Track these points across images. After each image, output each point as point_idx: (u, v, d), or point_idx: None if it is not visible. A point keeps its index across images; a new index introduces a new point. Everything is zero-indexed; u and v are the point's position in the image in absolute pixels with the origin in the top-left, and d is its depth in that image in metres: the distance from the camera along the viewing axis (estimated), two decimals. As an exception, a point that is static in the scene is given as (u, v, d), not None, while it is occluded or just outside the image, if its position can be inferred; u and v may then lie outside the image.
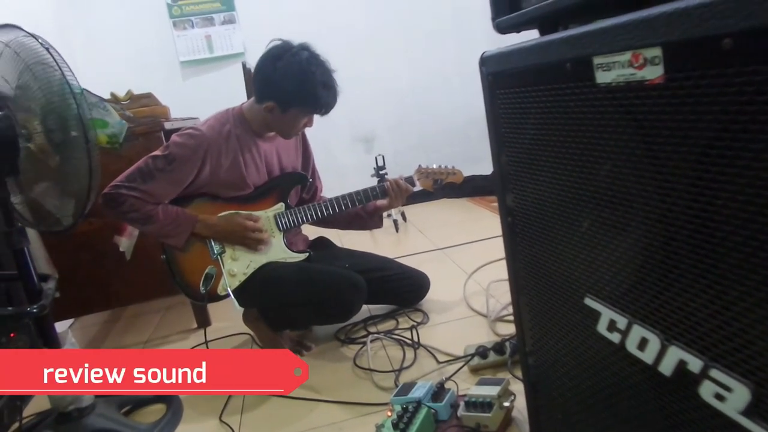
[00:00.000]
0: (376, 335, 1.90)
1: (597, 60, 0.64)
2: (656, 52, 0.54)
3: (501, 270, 2.01)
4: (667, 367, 0.63)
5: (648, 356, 0.66)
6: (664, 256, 0.61)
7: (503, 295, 2.06)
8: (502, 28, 0.89)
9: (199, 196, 1.82)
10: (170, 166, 1.70)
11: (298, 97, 1.70)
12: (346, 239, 2.39)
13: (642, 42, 0.56)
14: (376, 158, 3.32)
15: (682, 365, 0.60)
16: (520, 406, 1.26)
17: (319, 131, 4.06)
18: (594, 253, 0.75)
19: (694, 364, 0.58)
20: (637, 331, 0.67)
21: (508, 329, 1.81)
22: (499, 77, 0.90)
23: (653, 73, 0.55)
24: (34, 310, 1.34)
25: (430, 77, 4.02)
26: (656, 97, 0.56)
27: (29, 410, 1.83)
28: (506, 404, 1.28)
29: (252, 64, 3.28)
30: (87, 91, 1.99)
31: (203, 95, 3.69)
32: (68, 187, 1.52)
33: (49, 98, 1.44)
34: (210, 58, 3.72)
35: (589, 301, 0.77)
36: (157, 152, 1.72)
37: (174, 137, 1.73)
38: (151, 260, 2.18)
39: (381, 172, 3.30)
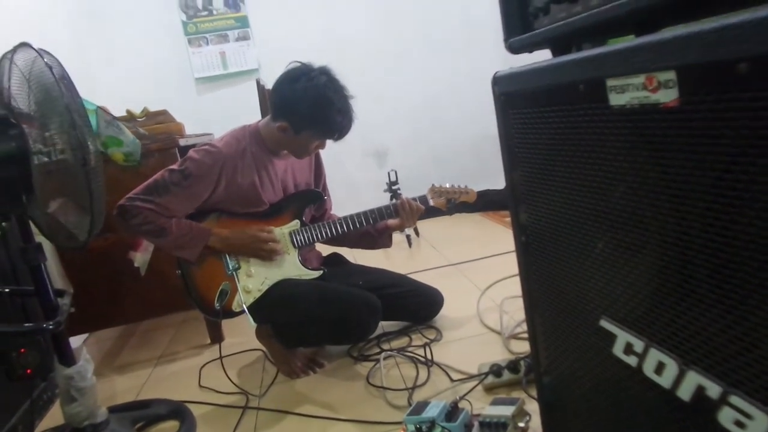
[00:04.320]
0: (389, 353, 1.89)
1: (610, 82, 0.63)
2: (670, 75, 0.54)
3: (514, 286, 2.00)
4: (685, 392, 0.62)
5: (665, 380, 0.65)
6: (681, 280, 0.60)
7: (517, 311, 2.05)
8: (514, 49, 0.90)
9: (214, 211, 1.83)
10: (186, 181, 1.71)
11: (311, 121, 1.72)
12: (359, 255, 2.39)
13: (656, 65, 0.56)
14: (388, 173, 3.33)
15: (700, 391, 0.59)
16: (535, 425, 1.25)
17: (332, 146, 4.10)
18: (609, 275, 0.74)
19: (713, 390, 0.57)
20: (654, 355, 0.67)
21: (523, 347, 1.79)
22: (512, 97, 0.90)
23: (667, 96, 0.55)
24: (51, 327, 1.35)
25: (442, 92, 4.03)
26: (671, 120, 0.56)
27: (43, 425, 1.84)
28: (521, 425, 1.26)
29: (265, 80, 3.32)
30: (101, 109, 2.02)
31: (217, 111, 3.73)
32: (83, 204, 1.54)
33: (61, 118, 1.47)
34: (224, 74, 3.76)
35: (604, 323, 0.76)
36: (174, 166, 1.74)
37: (191, 153, 1.75)
38: (166, 276, 2.19)
39: (393, 188, 3.31)
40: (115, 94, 3.57)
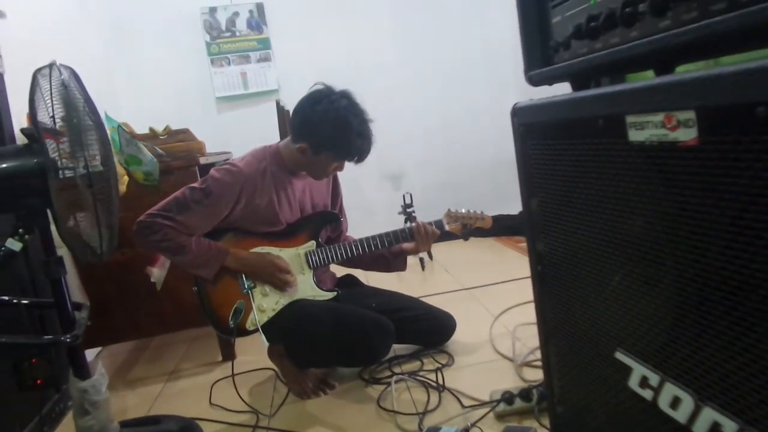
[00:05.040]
0: (400, 376, 1.89)
1: (630, 119, 0.65)
2: (690, 115, 0.55)
3: (527, 313, 2.00)
4: (701, 428, 0.62)
5: (681, 416, 0.65)
6: (698, 315, 0.61)
7: (530, 338, 2.04)
8: (534, 82, 0.91)
9: (232, 230, 1.85)
10: (207, 200, 1.74)
11: (331, 143, 1.75)
12: (372, 277, 2.39)
13: (675, 105, 0.57)
14: (404, 196, 3.35)
15: (716, 427, 0.59)
16: (546, 456, 1.24)
17: (349, 167, 4.13)
18: (625, 307, 0.75)
19: (729, 427, 0.58)
20: (670, 389, 0.67)
21: (535, 375, 1.78)
22: (531, 128, 0.92)
23: (687, 135, 0.56)
24: (68, 340, 1.37)
25: (459, 115, 4.06)
26: (690, 159, 0.57)
27: (56, 438, 1.85)
28: (533, 454, 1.25)
29: (285, 101, 3.37)
30: (122, 128, 2.07)
31: (237, 130, 3.79)
32: (106, 219, 1.57)
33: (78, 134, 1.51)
34: (245, 94, 3.82)
35: (620, 355, 0.76)
36: (195, 184, 1.77)
37: (213, 172, 1.78)
38: (181, 292, 2.21)
39: (408, 210, 3.33)
40: (139, 109, 3.65)
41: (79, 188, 1.56)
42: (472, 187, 4.12)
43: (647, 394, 0.71)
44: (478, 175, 4.12)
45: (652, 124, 0.61)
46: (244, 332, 1.84)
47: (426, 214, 3.53)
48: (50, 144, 1.55)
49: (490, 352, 2.02)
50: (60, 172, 1.51)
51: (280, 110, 2.64)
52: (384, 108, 3.92)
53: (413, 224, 1.98)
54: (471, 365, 1.95)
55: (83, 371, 1.52)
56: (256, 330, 1.81)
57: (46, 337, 1.46)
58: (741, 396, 0.57)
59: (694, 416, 0.63)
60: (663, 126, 0.59)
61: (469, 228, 2.08)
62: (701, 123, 0.54)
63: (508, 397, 1.57)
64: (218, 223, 1.82)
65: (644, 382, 0.72)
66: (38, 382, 1.58)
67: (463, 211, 2.10)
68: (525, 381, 1.76)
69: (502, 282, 2.83)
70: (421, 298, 2.23)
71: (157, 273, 2.21)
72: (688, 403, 0.64)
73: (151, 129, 2.27)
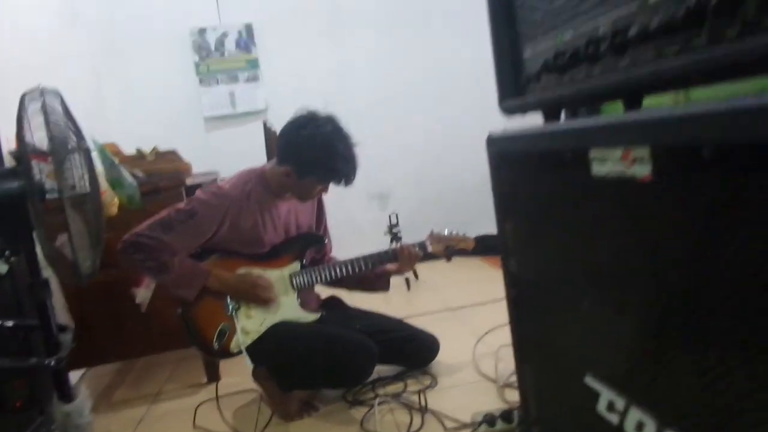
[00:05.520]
0: (383, 399, 1.90)
1: (593, 153, 0.68)
2: (645, 152, 0.58)
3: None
4: (663, 452, 0.64)
5: (645, 440, 0.67)
6: (658, 343, 0.63)
7: (513, 359, 2.05)
8: (508, 111, 0.95)
9: (217, 251, 1.87)
10: (191, 220, 1.76)
11: (315, 167, 1.78)
12: (357, 298, 2.41)
13: (633, 141, 0.60)
14: (389, 216, 3.38)
15: (676, 451, 0.62)
16: (525, 478, 1.25)
17: (334, 189, 4.14)
18: (594, 332, 0.77)
19: (688, 451, 0.60)
20: (634, 414, 0.69)
21: (517, 396, 1.80)
22: (505, 157, 0.95)
23: (642, 171, 0.59)
24: (52, 363, 1.38)
25: (445, 134, 4.11)
26: (646, 193, 0.60)
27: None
28: (512, 476, 1.27)
29: (272, 121, 3.40)
30: (104, 151, 2.09)
31: (224, 149, 3.82)
32: (90, 239, 1.58)
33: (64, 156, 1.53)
34: (233, 114, 3.86)
35: (589, 380, 0.79)
36: (180, 205, 1.79)
37: (199, 193, 1.80)
38: (166, 313, 2.21)
39: (394, 231, 3.36)
40: (128, 128, 3.67)
41: (66, 209, 1.57)
42: (457, 205, 4.15)
43: (614, 418, 0.74)
44: (465, 192, 4.15)
45: (613, 158, 0.64)
46: (230, 354, 1.85)
47: (412, 232, 3.55)
48: (38, 165, 1.57)
49: (473, 373, 2.04)
50: (46, 193, 1.53)
51: (267, 131, 2.67)
52: (370, 127, 3.97)
53: (397, 246, 2.01)
54: (454, 386, 1.97)
55: (67, 394, 1.52)
56: (241, 352, 1.82)
57: (30, 360, 1.45)
58: (698, 422, 0.59)
59: (656, 440, 0.65)
60: (621, 161, 0.62)
61: (451, 250, 2.11)
62: (655, 160, 0.58)
63: (489, 419, 1.58)
64: (203, 243, 1.83)
65: (611, 407, 0.74)
66: (17, 404, 1.58)
67: (446, 232, 2.13)
68: (507, 402, 1.78)
69: (486, 302, 2.85)
70: (406, 319, 2.25)
71: (143, 294, 2.22)
72: (650, 427, 0.66)
73: (138, 150, 2.29)
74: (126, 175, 2.03)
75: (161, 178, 2.24)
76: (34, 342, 1.75)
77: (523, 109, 0.93)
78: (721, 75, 0.54)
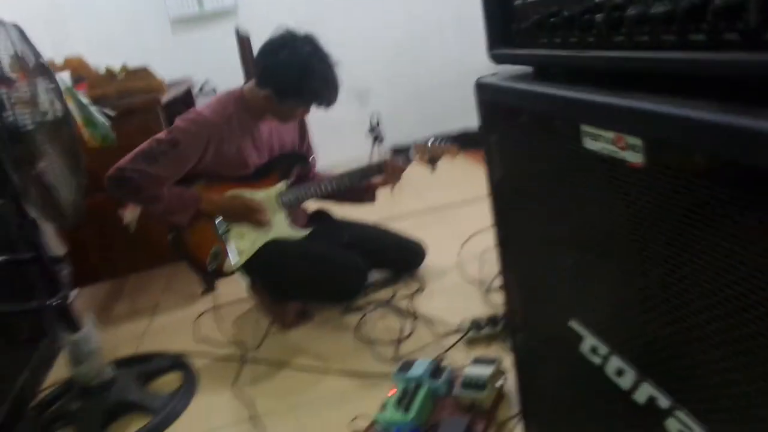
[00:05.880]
0: (375, 306, 2.00)
1: (584, 128, 0.69)
2: (637, 141, 0.60)
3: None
4: (640, 397, 0.72)
5: (624, 383, 0.75)
6: (640, 300, 0.68)
7: (496, 263, 2.16)
8: (498, 60, 0.93)
9: (203, 176, 1.87)
10: (174, 150, 1.74)
11: (295, 90, 1.74)
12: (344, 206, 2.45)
13: (625, 128, 0.62)
14: (370, 118, 3.34)
15: (652, 400, 0.70)
16: (511, 384, 1.38)
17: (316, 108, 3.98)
18: (578, 285, 0.83)
19: (663, 402, 0.68)
20: (615, 361, 0.76)
21: (501, 299, 1.91)
22: (494, 107, 0.95)
23: (634, 158, 0.61)
24: (55, 303, 1.43)
25: (425, 29, 3.98)
26: (637, 176, 0.63)
27: (51, 381, 1.94)
28: (498, 383, 1.40)
29: (244, 22, 3.25)
30: (73, 90, 2.00)
31: (194, 53, 3.68)
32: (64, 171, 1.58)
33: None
34: (200, 14, 3.65)
35: (573, 324, 0.86)
36: (161, 135, 1.76)
37: (178, 122, 1.77)
38: (156, 230, 2.25)
39: (375, 132, 3.34)
40: (90, 36, 3.48)
41: (37, 137, 1.55)
42: (438, 99, 4.11)
43: (597, 359, 0.81)
44: (445, 88, 4.09)
45: (605, 138, 0.66)
46: (224, 274, 1.91)
47: (392, 129, 3.55)
48: (5, 94, 1.52)
49: (458, 277, 2.14)
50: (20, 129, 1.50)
51: (240, 38, 2.56)
52: (347, 26, 3.82)
53: (382, 160, 2.03)
54: (441, 291, 2.08)
55: (74, 325, 1.59)
56: (234, 272, 1.89)
57: (33, 302, 1.50)
58: (674, 375, 0.66)
59: (634, 387, 0.73)
60: (613, 143, 0.64)
61: (435, 159, 2.13)
62: (647, 150, 0.59)
63: (476, 325, 1.70)
64: (187, 171, 1.83)
65: (594, 351, 0.81)
66: (23, 337, 1.65)
67: (430, 143, 2.14)
68: (492, 306, 1.89)
69: (469, 201, 2.92)
70: (391, 221, 2.31)
71: (130, 215, 2.23)
72: (630, 375, 0.74)
73: (107, 70, 2.20)
74: (97, 115, 1.97)
75: (134, 98, 2.17)
76: (32, 275, 1.80)
77: (515, 62, 0.92)
78: (718, 82, 0.54)
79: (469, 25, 3.96)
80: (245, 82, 1.91)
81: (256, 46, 2.67)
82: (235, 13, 3.68)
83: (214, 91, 3.84)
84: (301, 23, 3.77)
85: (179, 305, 2.40)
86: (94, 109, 1.92)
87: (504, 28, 0.91)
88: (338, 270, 1.87)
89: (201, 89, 3.80)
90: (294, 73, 1.69)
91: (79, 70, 2.74)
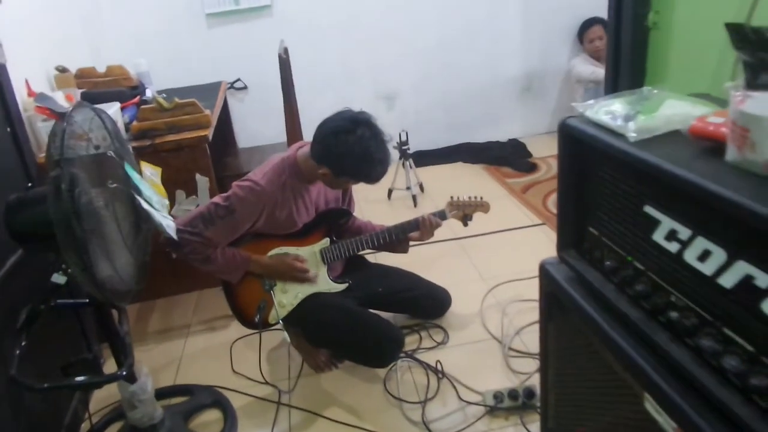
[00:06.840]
0: (404, 358, 2.14)
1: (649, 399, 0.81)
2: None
3: (518, 288, 2.41)
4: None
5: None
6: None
7: (517, 316, 2.31)
8: (564, 260, 1.04)
9: (251, 234, 1.98)
10: (230, 216, 1.84)
11: (353, 172, 1.84)
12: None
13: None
14: (399, 134, 3.40)
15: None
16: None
17: (343, 88, 4.10)
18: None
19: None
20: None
21: (519, 364, 2.06)
22: (553, 297, 1.06)
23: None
24: (124, 374, 1.57)
25: (457, 36, 3.98)
26: None
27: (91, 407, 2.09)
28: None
29: (279, 16, 3.30)
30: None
31: (229, 51, 3.71)
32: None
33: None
34: (236, 10, 3.64)
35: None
36: (218, 200, 1.86)
37: (236, 188, 1.85)
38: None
39: (404, 148, 3.42)
40: (126, 33, 3.50)
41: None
42: (465, 108, 4.16)
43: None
44: (473, 95, 4.13)
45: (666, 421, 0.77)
46: (268, 325, 2.06)
47: (418, 135, 3.65)
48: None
49: (480, 330, 2.28)
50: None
51: (283, 64, 2.60)
52: (380, 28, 3.83)
53: (419, 217, 2.13)
54: (464, 346, 2.21)
55: (132, 378, 1.74)
56: (278, 323, 2.02)
57: (107, 374, 1.64)
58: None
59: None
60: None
61: (469, 218, 2.24)
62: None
63: (498, 398, 1.85)
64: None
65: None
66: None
67: (465, 198, 2.23)
68: (511, 369, 2.04)
69: (494, 232, 3.04)
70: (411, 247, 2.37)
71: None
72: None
73: (157, 101, 2.26)
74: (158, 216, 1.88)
75: (182, 131, 2.28)
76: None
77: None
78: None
79: (499, 33, 3.97)
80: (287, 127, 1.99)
81: (291, 43, 2.75)
82: (270, 10, 3.68)
83: (245, 87, 3.89)
84: (336, 23, 3.80)
85: (211, 328, 2.53)
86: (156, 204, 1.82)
87: (575, 242, 1.01)
88: (379, 340, 2.00)
89: (232, 85, 3.84)
90: (354, 157, 1.78)
91: (120, 79, 2.79)
